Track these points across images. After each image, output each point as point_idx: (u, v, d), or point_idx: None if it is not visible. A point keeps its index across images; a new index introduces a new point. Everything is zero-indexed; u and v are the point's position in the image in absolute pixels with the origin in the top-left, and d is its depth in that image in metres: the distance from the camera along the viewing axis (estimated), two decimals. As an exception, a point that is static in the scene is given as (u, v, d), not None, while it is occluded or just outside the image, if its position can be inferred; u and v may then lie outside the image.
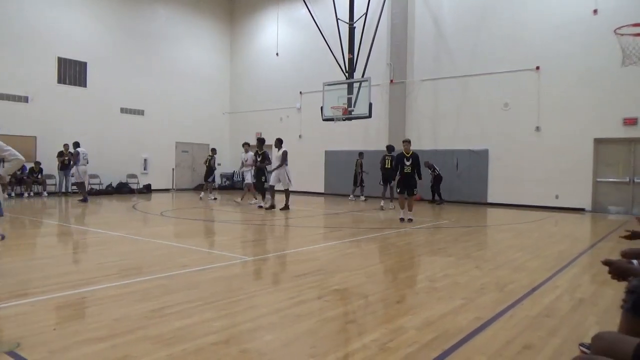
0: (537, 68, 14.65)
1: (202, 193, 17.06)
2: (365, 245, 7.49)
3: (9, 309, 3.90)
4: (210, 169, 16.71)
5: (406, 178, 10.39)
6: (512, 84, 15.17)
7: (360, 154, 16.71)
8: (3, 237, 7.63)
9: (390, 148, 14.17)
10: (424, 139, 16.79)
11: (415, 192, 10.48)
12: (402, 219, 10.51)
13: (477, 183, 15.80)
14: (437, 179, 15.75)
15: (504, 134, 15.34)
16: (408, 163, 10.32)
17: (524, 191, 14.93)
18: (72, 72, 17.91)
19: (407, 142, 10.60)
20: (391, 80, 17.49)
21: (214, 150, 17.18)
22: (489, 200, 15.64)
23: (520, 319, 3.83)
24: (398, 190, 10.69)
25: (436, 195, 15.82)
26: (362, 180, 16.64)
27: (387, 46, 17.57)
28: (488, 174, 15.71)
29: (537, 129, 14.73)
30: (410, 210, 10.52)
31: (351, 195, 17.19)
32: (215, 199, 16.36)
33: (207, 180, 16.83)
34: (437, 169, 15.73)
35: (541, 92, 14.62)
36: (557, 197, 14.34)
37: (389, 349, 3.14)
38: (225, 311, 3.94)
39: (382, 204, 13.87)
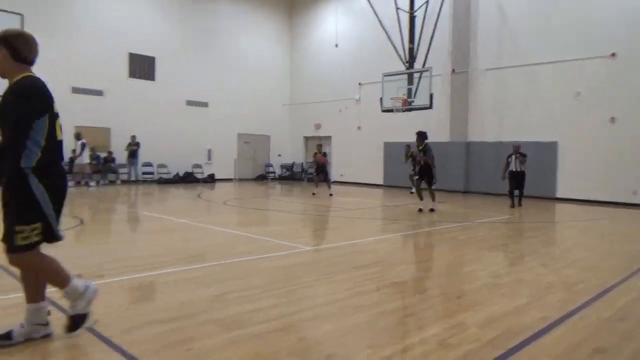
0: (613, 55, 13.65)
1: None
2: (424, 239, 7.37)
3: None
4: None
5: None
6: (584, 72, 14.22)
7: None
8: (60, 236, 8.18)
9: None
10: (488, 131, 16.21)
11: None
12: None
13: (545, 177, 15.02)
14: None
15: (575, 125, 14.46)
16: None
17: (597, 186, 14.03)
18: (142, 67, 18.84)
19: None
20: (453, 70, 16.98)
21: (319, 147, 15.88)
22: (558, 195, 14.86)
23: (591, 321, 3.63)
24: None
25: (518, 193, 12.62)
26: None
27: (449, 35, 17.04)
28: (557, 167, 14.92)
29: (612, 120, 13.78)
30: None
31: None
32: (331, 194, 14.71)
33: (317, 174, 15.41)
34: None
35: (617, 81, 13.63)
36: (634, 192, 13.38)
37: (449, 345, 3.08)
38: (285, 299, 4.02)
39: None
